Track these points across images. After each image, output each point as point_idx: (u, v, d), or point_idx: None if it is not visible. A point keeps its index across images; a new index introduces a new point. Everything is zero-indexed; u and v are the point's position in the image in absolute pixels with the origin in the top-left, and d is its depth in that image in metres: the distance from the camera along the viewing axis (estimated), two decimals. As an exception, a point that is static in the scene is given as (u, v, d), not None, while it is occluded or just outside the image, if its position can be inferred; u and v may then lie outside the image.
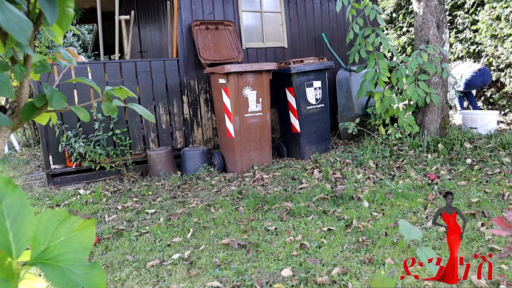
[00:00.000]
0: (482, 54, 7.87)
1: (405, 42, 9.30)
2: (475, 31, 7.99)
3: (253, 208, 3.59)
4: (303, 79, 5.22)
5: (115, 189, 4.56)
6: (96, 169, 4.97)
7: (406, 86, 5.13)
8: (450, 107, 8.10)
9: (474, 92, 7.41)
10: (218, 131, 5.25)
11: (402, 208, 3.36)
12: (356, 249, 2.66)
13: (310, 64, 5.22)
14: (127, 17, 6.62)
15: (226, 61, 5.46)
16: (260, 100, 4.98)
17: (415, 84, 5.02)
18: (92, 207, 3.96)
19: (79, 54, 12.26)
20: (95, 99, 3.52)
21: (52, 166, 4.94)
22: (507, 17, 7.07)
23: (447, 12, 8.29)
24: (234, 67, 4.69)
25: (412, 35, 9.00)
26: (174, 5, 5.46)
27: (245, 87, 4.87)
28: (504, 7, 7.12)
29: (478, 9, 7.97)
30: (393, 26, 9.82)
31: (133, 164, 5.19)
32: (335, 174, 4.41)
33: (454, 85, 7.17)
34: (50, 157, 4.89)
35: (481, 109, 7.83)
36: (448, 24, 7.33)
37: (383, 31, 8.60)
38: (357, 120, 5.43)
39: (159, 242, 3.04)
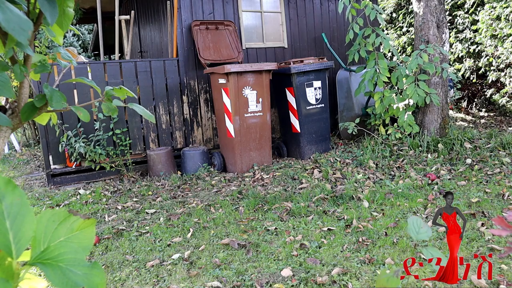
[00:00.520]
0: (482, 54, 7.87)
1: (405, 42, 9.30)
2: (475, 31, 7.99)
3: (253, 208, 3.59)
4: (303, 79, 5.22)
5: (115, 189, 4.56)
6: (96, 169, 4.97)
7: (406, 86, 5.14)
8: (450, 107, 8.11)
9: None
10: (218, 131, 5.25)
11: (402, 208, 3.36)
12: (356, 249, 2.66)
13: (310, 64, 5.22)
14: (127, 17, 6.62)
15: (226, 61, 5.46)
16: (260, 100, 4.98)
17: (415, 84, 5.02)
18: (92, 207, 3.96)
19: (79, 54, 12.26)
20: (95, 99, 3.52)
21: (52, 166, 4.94)
22: (507, 17, 7.07)
23: (447, 12, 8.29)
24: (234, 67, 4.69)
25: (412, 35, 9.00)
26: (174, 5, 5.46)
27: (245, 87, 4.87)
28: (504, 7, 7.12)
29: (478, 9, 7.98)
30: (393, 26, 9.83)
31: (133, 164, 5.19)
32: (335, 174, 4.41)
33: None
34: (50, 157, 4.89)
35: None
36: (448, 24, 7.33)
37: (383, 31, 8.60)
38: (357, 120, 5.43)
39: (159, 242, 3.04)
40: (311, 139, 5.36)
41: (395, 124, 5.25)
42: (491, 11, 7.38)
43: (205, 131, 5.70)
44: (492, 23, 7.37)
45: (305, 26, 6.51)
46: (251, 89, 4.90)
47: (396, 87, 5.35)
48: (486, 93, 8.10)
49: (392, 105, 5.24)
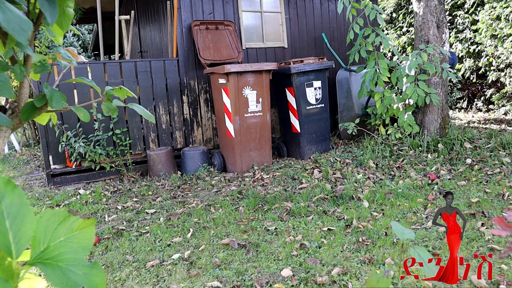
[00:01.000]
0: (482, 54, 7.87)
1: (405, 42, 9.30)
2: (475, 31, 7.99)
3: (253, 208, 3.59)
4: (303, 79, 5.22)
5: (115, 189, 4.56)
6: (96, 169, 4.97)
7: (406, 86, 5.13)
8: (450, 107, 8.11)
9: None
10: (218, 131, 5.25)
11: (402, 208, 3.36)
12: (356, 249, 2.66)
13: (310, 64, 5.22)
14: (127, 17, 6.62)
15: (226, 61, 5.46)
16: (260, 100, 4.98)
17: (415, 84, 5.02)
18: (92, 207, 3.96)
19: (79, 54, 12.26)
20: (95, 99, 3.52)
21: (52, 166, 4.94)
22: (507, 17, 7.07)
23: (447, 12, 8.29)
24: (234, 67, 4.69)
25: (412, 35, 9.00)
26: (174, 5, 5.46)
27: (245, 87, 4.87)
28: (504, 7, 7.12)
29: (478, 9, 7.98)
30: (393, 26, 9.83)
31: (133, 164, 5.19)
32: (335, 174, 4.41)
33: None
34: (50, 157, 4.89)
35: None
36: (448, 24, 7.33)
37: (383, 31, 8.60)
38: (357, 120, 5.43)
39: (159, 242, 3.04)
40: (311, 139, 5.36)
41: (395, 124, 5.25)
42: (491, 11, 7.38)
43: (205, 131, 5.70)
44: (492, 23, 7.37)
45: (305, 26, 6.51)
46: (251, 89, 4.90)
47: (396, 87, 5.35)
48: (486, 93, 8.10)
49: (392, 105, 5.24)
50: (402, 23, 9.49)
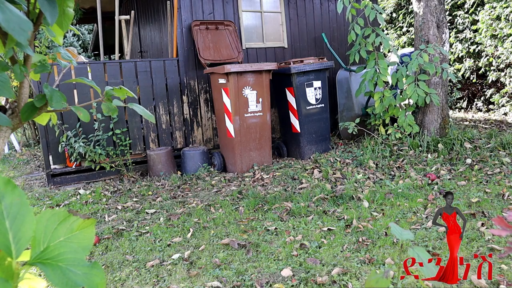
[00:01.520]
0: (482, 54, 7.87)
1: (405, 42, 9.30)
2: (475, 31, 7.99)
3: (253, 208, 3.59)
4: (303, 79, 5.22)
5: (115, 189, 4.56)
6: (96, 169, 4.97)
7: (406, 86, 5.14)
8: (450, 107, 8.11)
9: None
10: (218, 131, 5.25)
11: (402, 208, 3.36)
12: (356, 249, 2.66)
13: (310, 64, 5.22)
14: (127, 17, 6.62)
15: (226, 61, 5.46)
16: (260, 100, 4.98)
17: (415, 84, 5.02)
18: (92, 207, 3.96)
19: (79, 54, 12.26)
20: (95, 99, 3.52)
21: (52, 166, 4.94)
22: (507, 17, 7.07)
23: (447, 12, 8.29)
24: (234, 67, 4.69)
25: (412, 35, 9.00)
26: (174, 5, 5.46)
27: (245, 87, 4.87)
28: (504, 7, 7.12)
29: (478, 9, 7.98)
30: (393, 26, 9.83)
31: (133, 164, 5.19)
32: (335, 174, 4.41)
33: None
34: (50, 157, 4.89)
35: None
36: (448, 24, 7.33)
37: (383, 31, 8.61)
38: (357, 120, 5.43)
39: (159, 242, 3.04)
40: (311, 139, 5.36)
41: (395, 124, 5.25)
42: (491, 11, 7.38)
43: (205, 131, 5.70)
44: (492, 23, 7.37)
45: (305, 26, 6.51)
46: (251, 89, 4.90)
47: (395, 87, 5.35)
48: (486, 93, 8.10)
49: (392, 105, 5.24)
50: (402, 23, 9.49)
